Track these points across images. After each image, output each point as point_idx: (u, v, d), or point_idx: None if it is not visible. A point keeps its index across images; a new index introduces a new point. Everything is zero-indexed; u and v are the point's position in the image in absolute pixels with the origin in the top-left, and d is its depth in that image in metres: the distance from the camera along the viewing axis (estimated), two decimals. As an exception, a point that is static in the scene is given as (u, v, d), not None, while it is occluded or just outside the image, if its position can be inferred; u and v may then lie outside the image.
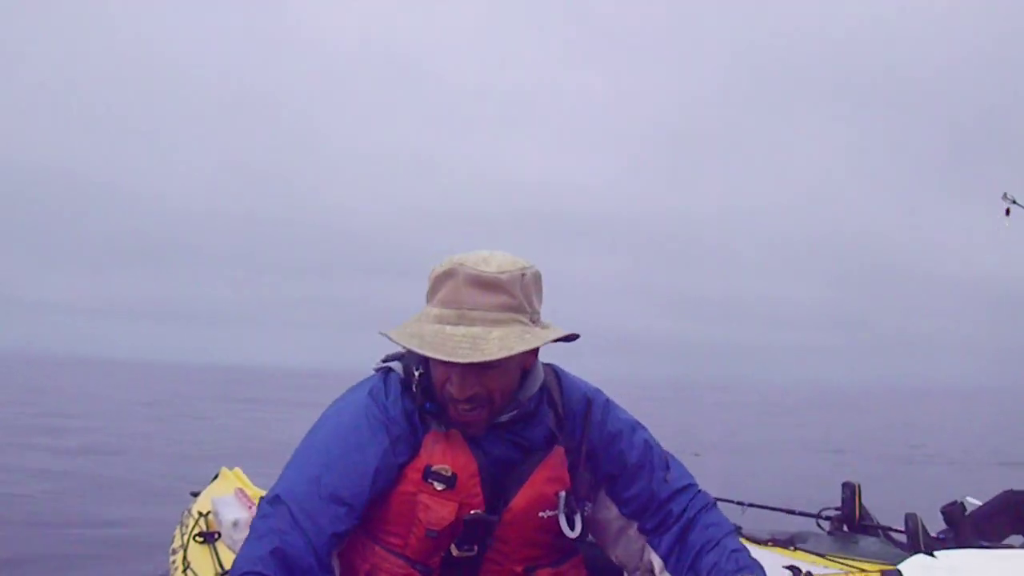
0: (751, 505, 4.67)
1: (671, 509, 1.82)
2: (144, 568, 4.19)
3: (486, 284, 1.60)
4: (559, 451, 1.79)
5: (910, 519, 3.99)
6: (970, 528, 4.08)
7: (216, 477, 3.63)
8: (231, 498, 2.94)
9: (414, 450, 1.69)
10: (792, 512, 4.60)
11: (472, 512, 1.68)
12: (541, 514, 1.75)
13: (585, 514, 1.80)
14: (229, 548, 2.70)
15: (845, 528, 4.28)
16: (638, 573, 1.86)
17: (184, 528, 3.04)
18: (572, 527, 1.75)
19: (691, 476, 1.90)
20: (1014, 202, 4.83)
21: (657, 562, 1.80)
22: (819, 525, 4.33)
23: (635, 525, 1.84)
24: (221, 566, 2.64)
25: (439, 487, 1.64)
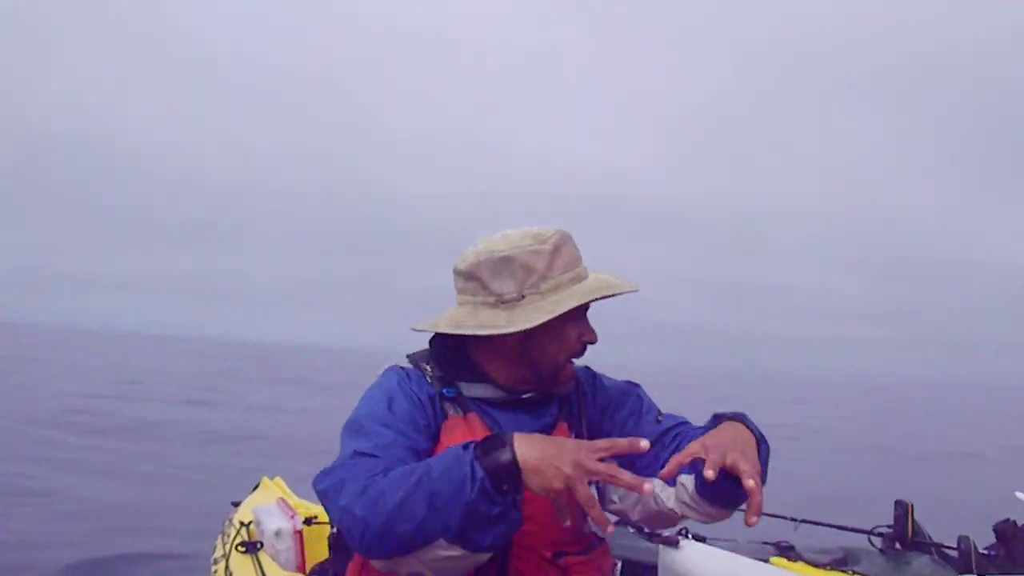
0: (804, 521, 4.74)
1: (664, 442, 1.78)
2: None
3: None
4: (562, 427, 1.82)
5: (962, 541, 4.09)
6: (1021, 545, 4.14)
7: (257, 487, 3.64)
8: (273, 507, 2.95)
9: (435, 437, 1.71)
10: (844, 528, 4.67)
11: None
12: None
13: (600, 487, 1.79)
14: (272, 558, 2.73)
15: (897, 546, 4.36)
16: (664, 521, 1.78)
17: (226, 538, 3.06)
18: None
19: (684, 418, 1.87)
20: None
21: (665, 495, 1.72)
22: (871, 542, 4.40)
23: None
24: (263, 574, 2.65)
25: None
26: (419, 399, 1.74)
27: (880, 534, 4.43)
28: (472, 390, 1.77)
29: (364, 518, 1.48)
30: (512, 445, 1.45)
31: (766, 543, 3.97)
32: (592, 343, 1.79)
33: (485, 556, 1.50)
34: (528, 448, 1.45)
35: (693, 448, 1.50)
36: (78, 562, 5.04)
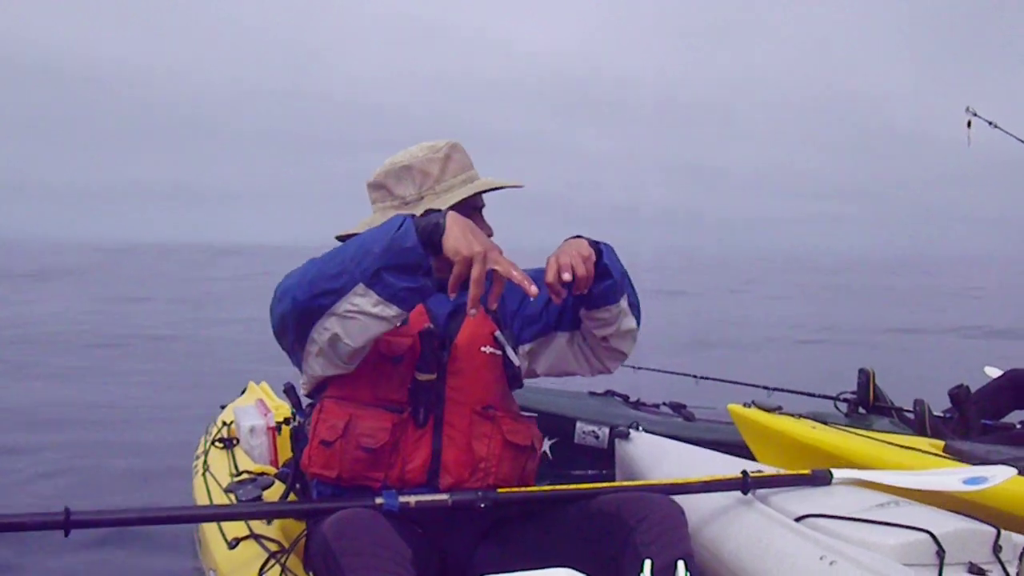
0: (776, 389, 5.09)
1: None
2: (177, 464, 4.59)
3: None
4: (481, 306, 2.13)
5: (917, 404, 4.42)
6: (973, 408, 4.46)
7: (244, 391, 3.88)
8: (251, 408, 3.16)
9: None
10: (812, 395, 5.01)
11: (426, 326, 1.95)
12: (483, 349, 2.02)
13: (520, 353, 2.08)
14: (246, 453, 2.96)
15: (861, 410, 4.71)
16: (590, 362, 2.11)
17: (208, 436, 3.31)
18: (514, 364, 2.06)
19: None
20: (975, 115, 5.17)
21: (579, 337, 2.07)
22: (836, 407, 4.77)
23: (568, 335, 2.10)
24: (236, 468, 2.81)
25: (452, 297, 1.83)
26: None
27: (845, 400, 4.78)
28: None
29: (294, 281, 1.80)
30: (445, 214, 1.70)
31: (752, 403, 4.22)
32: (487, 236, 2.06)
33: (393, 313, 1.73)
34: (458, 218, 1.69)
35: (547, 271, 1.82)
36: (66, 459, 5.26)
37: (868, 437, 3.41)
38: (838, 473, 2.32)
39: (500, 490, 1.94)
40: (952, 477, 2.41)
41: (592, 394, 5.05)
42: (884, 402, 4.72)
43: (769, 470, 2.39)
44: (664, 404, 5.15)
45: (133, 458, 5.34)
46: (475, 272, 1.63)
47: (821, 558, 1.86)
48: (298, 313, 1.80)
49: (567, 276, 1.77)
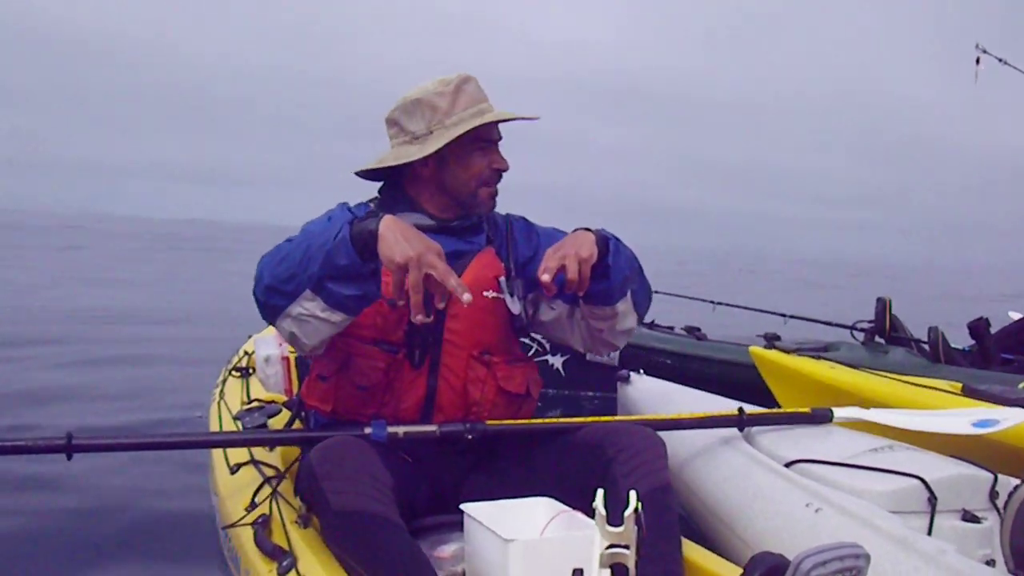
0: (792, 317, 5.06)
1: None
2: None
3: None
4: (489, 250, 2.06)
5: (931, 331, 4.37)
6: (993, 342, 4.42)
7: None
8: (270, 338, 3.14)
9: None
10: (829, 324, 4.98)
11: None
12: (485, 293, 1.98)
13: (524, 300, 2.02)
14: (261, 382, 2.99)
15: (878, 339, 4.67)
16: (592, 338, 2.08)
17: (228, 365, 3.35)
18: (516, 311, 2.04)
19: None
20: (984, 51, 4.94)
21: (578, 317, 2.06)
22: (853, 336, 4.72)
23: (568, 308, 2.09)
24: (248, 396, 2.83)
25: (400, 303, 1.87)
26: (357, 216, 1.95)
27: (862, 329, 4.73)
28: (408, 219, 1.92)
29: (262, 270, 1.82)
30: (380, 220, 1.66)
31: (758, 335, 4.22)
32: (502, 170, 2.05)
33: (339, 319, 1.76)
34: (391, 224, 1.66)
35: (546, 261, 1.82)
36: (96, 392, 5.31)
37: (887, 377, 3.38)
38: (839, 411, 2.30)
39: (489, 422, 1.95)
40: (962, 419, 2.36)
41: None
42: (901, 332, 4.68)
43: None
44: (680, 328, 5.14)
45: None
46: (410, 279, 1.60)
47: (807, 505, 1.86)
48: (260, 308, 1.86)
49: (546, 277, 1.77)
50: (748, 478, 2.07)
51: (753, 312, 5.18)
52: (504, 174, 2.08)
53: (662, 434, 1.87)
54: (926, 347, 4.43)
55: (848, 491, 1.89)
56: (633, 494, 1.32)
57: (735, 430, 2.27)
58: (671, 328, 5.16)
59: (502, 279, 2.04)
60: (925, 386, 3.13)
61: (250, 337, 3.65)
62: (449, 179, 2.02)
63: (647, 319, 5.13)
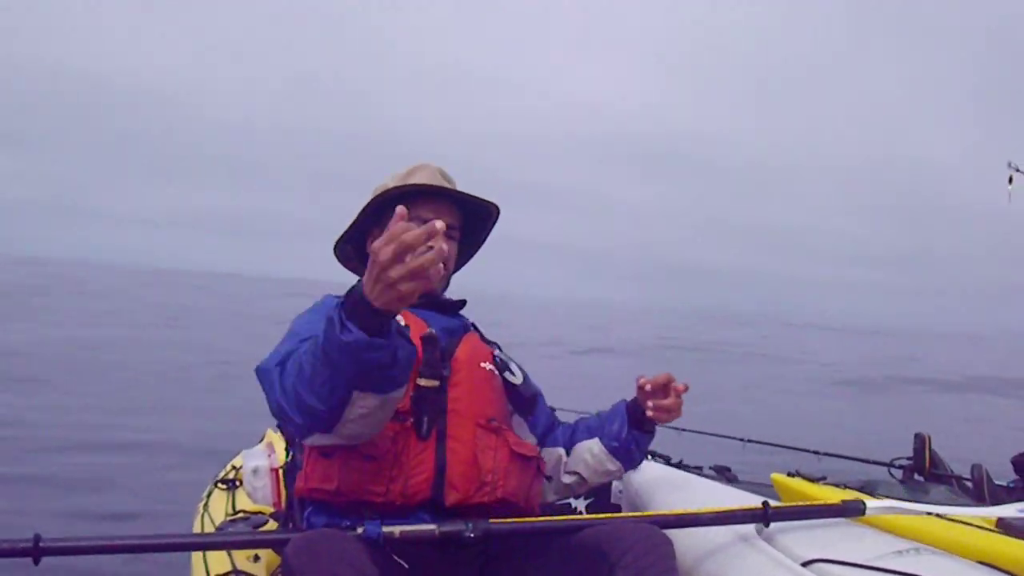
0: (826, 454, 4.86)
1: (557, 434, 2.22)
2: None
3: (449, 179, 2.12)
4: (473, 334, 2.10)
5: (975, 470, 4.16)
6: (1039, 477, 4.19)
7: (262, 439, 3.75)
8: (259, 450, 3.06)
9: None
10: (865, 461, 4.77)
11: (427, 331, 1.89)
12: (483, 364, 1.99)
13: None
14: (248, 495, 2.85)
15: (917, 476, 4.45)
16: (574, 481, 2.20)
17: (215, 479, 3.26)
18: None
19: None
20: (1017, 170, 4.93)
21: (558, 453, 2.17)
22: (891, 474, 4.50)
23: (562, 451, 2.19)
24: (234, 508, 2.77)
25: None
26: None
27: (900, 466, 4.52)
28: None
29: (294, 390, 1.62)
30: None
31: (797, 472, 4.05)
32: (432, 248, 1.96)
33: (399, 393, 1.61)
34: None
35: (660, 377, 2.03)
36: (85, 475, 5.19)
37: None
38: (872, 503, 2.16)
39: (492, 520, 1.82)
40: (995, 509, 2.34)
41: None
42: (941, 469, 4.45)
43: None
44: (708, 467, 4.95)
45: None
46: (384, 256, 1.40)
47: None
48: (304, 426, 1.68)
49: (680, 387, 1.99)
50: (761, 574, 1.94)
51: (785, 448, 4.99)
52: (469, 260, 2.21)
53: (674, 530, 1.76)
54: (968, 484, 4.22)
55: None
56: None
57: (751, 527, 2.12)
58: (700, 468, 4.97)
59: (498, 353, 2.08)
60: (958, 520, 2.90)
61: (239, 453, 3.57)
62: None
63: (675, 458, 4.97)
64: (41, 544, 1.65)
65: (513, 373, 2.06)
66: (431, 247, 1.38)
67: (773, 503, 2.12)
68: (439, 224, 1.37)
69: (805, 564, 1.93)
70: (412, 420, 1.85)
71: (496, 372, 2.03)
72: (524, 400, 2.10)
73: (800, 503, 2.23)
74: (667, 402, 2.01)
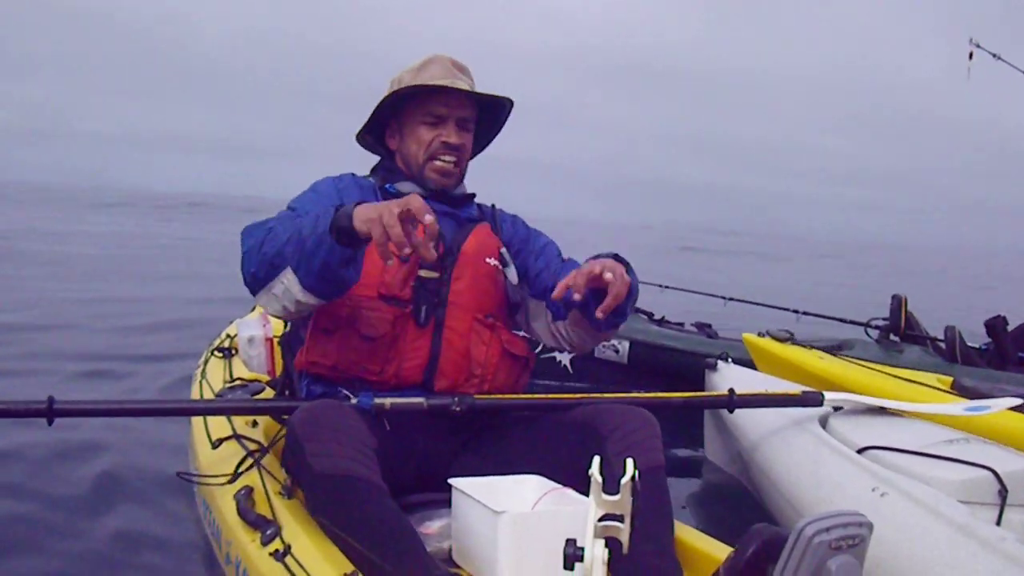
0: (805, 313, 4.94)
1: (559, 278, 1.98)
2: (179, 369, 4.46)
3: (463, 69, 2.09)
4: (485, 225, 2.11)
5: (948, 330, 4.25)
6: (1010, 340, 4.30)
7: (253, 308, 3.88)
8: (253, 320, 3.07)
9: None
10: (843, 320, 4.86)
11: (435, 229, 1.89)
12: (488, 259, 2.03)
13: (518, 270, 2.09)
14: (244, 363, 2.91)
15: (893, 337, 4.55)
16: (555, 341, 2.10)
17: (210, 347, 3.27)
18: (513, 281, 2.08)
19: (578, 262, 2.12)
20: (978, 46, 4.85)
21: (559, 326, 2.05)
22: (867, 333, 4.58)
23: (542, 304, 2.08)
24: (231, 376, 2.81)
25: (390, 263, 1.90)
26: (352, 185, 2.08)
27: (876, 326, 4.59)
28: (405, 187, 2.04)
29: (249, 244, 1.81)
30: (355, 205, 1.68)
31: (767, 332, 4.14)
32: (450, 145, 2.04)
33: (314, 300, 1.76)
34: (364, 204, 1.67)
35: (574, 272, 1.76)
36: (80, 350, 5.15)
37: (875, 369, 3.39)
38: (830, 395, 2.28)
39: (476, 396, 1.92)
40: (956, 407, 2.38)
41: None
42: (916, 330, 4.54)
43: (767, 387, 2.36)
44: (690, 324, 5.04)
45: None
46: (386, 221, 1.56)
47: (873, 489, 1.88)
48: (246, 278, 1.85)
49: (609, 276, 1.70)
50: (818, 462, 2.10)
51: (765, 308, 5.07)
52: (460, 151, 2.07)
53: (742, 413, 1.84)
54: (942, 345, 4.33)
55: (918, 479, 1.89)
56: (630, 462, 1.26)
57: (810, 411, 2.29)
58: (681, 324, 5.05)
59: (503, 250, 2.08)
60: (915, 381, 3.10)
61: (232, 322, 3.60)
62: (404, 151, 2.09)
63: (657, 315, 5.06)
64: (55, 406, 1.76)
65: (508, 273, 2.08)
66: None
67: (738, 392, 2.20)
68: (428, 219, 1.56)
69: (860, 451, 2.07)
70: (411, 307, 1.92)
71: (499, 267, 2.07)
72: (516, 302, 2.12)
73: (762, 392, 2.34)
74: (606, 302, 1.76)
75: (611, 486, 1.25)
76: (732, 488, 3.07)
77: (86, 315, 6.41)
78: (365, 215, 1.62)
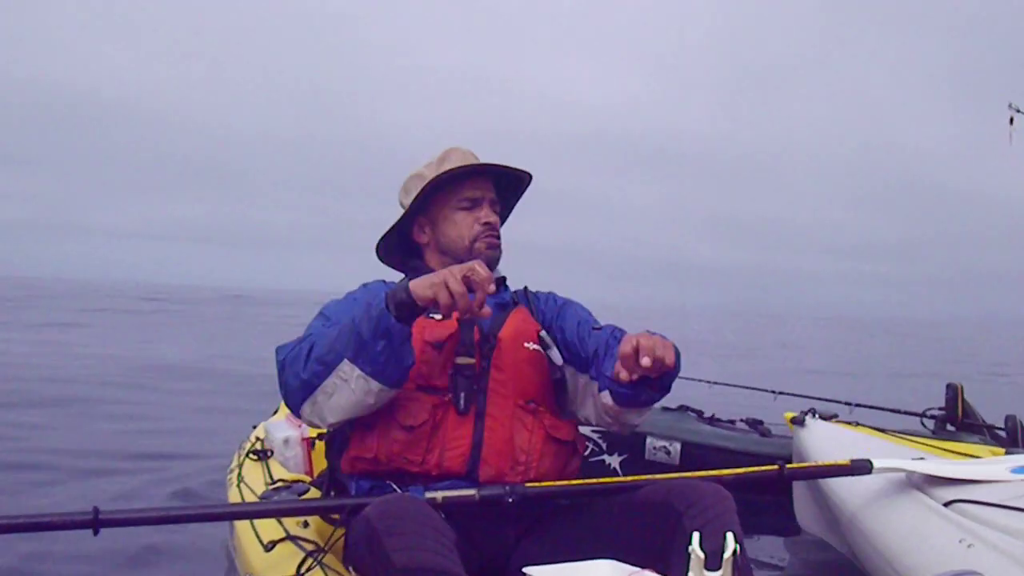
0: (858, 405, 4.88)
1: (598, 348, 2.06)
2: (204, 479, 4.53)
3: (476, 157, 2.18)
4: (523, 309, 2.16)
5: (1009, 419, 4.18)
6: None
7: (276, 412, 3.82)
8: (282, 422, 3.17)
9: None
10: (897, 411, 4.79)
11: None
12: (527, 344, 2.04)
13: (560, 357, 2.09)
14: (281, 464, 2.96)
15: (949, 427, 4.46)
16: (605, 419, 2.05)
17: (241, 451, 3.30)
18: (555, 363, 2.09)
19: (618, 327, 2.14)
20: (1018, 111, 4.84)
21: (605, 398, 1.98)
22: (923, 424, 4.51)
23: (587, 377, 2.07)
24: (271, 477, 2.81)
25: (438, 317, 1.99)
26: (383, 290, 2.01)
27: (932, 416, 4.53)
28: None
29: (293, 353, 1.84)
30: (409, 280, 1.76)
31: (812, 411, 4.09)
32: (490, 224, 2.14)
33: (376, 386, 1.78)
34: (420, 277, 1.76)
35: (626, 344, 1.74)
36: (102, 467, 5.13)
37: (925, 443, 3.44)
38: (879, 462, 2.29)
39: (529, 484, 1.90)
40: (1000, 466, 2.36)
41: (665, 409, 4.88)
42: (974, 419, 4.47)
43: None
44: (740, 420, 4.99)
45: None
46: (452, 286, 1.66)
47: (960, 541, 1.92)
48: (293, 387, 1.87)
49: (646, 362, 1.69)
50: (905, 517, 2.18)
51: (816, 400, 5.00)
52: (501, 229, 2.18)
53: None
54: (1000, 433, 4.23)
55: (1005, 532, 1.92)
56: (730, 535, 1.27)
57: (902, 476, 2.37)
58: (732, 422, 5.00)
59: (543, 332, 2.11)
60: (964, 453, 3.16)
61: (255, 427, 3.61)
62: (444, 240, 2.16)
63: (707, 413, 5.01)
64: (100, 516, 1.77)
65: (551, 356, 2.09)
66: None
67: (788, 465, 2.30)
68: (491, 288, 1.69)
69: (947, 504, 2.12)
70: (451, 395, 1.94)
71: (540, 351, 2.08)
72: (559, 382, 2.13)
73: (811, 464, 2.48)
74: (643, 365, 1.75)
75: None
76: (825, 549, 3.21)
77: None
78: (428, 281, 1.70)
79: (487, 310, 1.69)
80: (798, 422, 3.42)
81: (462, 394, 1.94)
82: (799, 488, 3.46)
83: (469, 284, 1.69)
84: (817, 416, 3.45)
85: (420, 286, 1.70)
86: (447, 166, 2.13)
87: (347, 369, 1.76)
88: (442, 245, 2.15)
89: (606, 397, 1.99)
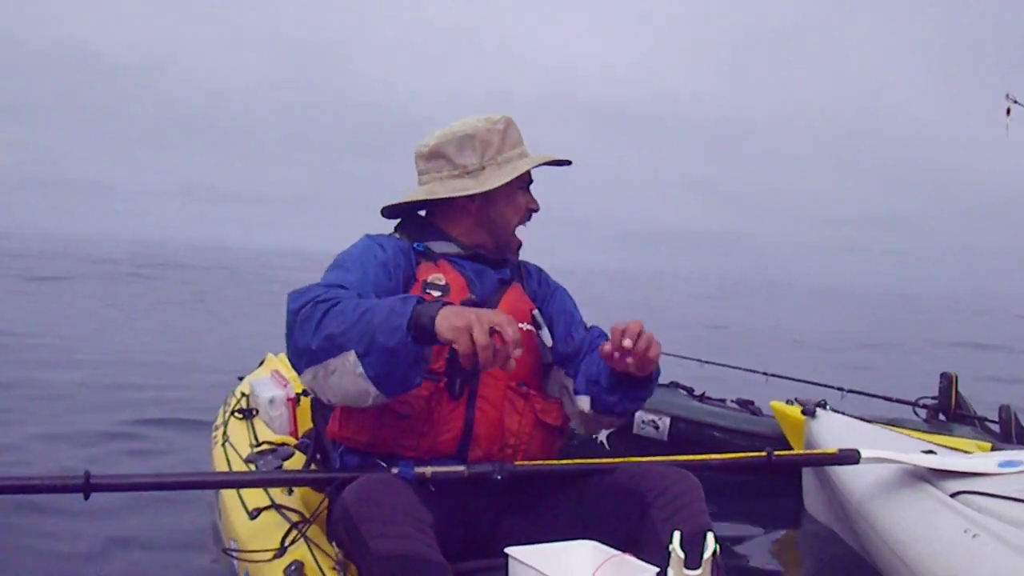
0: (850, 391, 4.85)
1: (581, 347, 2.11)
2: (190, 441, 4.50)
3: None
4: (517, 286, 2.12)
5: (1003, 410, 4.17)
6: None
7: (261, 363, 3.83)
8: (268, 379, 3.12)
9: (411, 273, 2.00)
10: (889, 399, 4.78)
11: (468, 296, 1.97)
12: (520, 325, 1.94)
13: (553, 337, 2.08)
14: (266, 424, 2.92)
15: (941, 417, 4.45)
16: (575, 422, 2.09)
17: (226, 407, 3.26)
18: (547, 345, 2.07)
19: (604, 331, 2.12)
20: (1015, 102, 4.79)
21: (582, 403, 2.02)
22: (915, 413, 4.50)
23: (564, 374, 2.09)
24: (256, 438, 2.76)
25: (436, 294, 1.95)
26: (395, 250, 2.03)
27: (924, 405, 4.52)
28: (438, 247, 2.07)
29: (306, 313, 1.73)
30: (440, 306, 1.66)
31: (796, 400, 4.08)
32: (535, 211, 2.15)
33: (373, 391, 1.70)
34: (450, 307, 1.66)
35: (618, 324, 1.79)
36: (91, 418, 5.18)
37: (910, 434, 3.38)
38: (867, 452, 2.30)
39: (517, 463, 1.92)
40: (989, 459, 2.40)
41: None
42: (966, 409, 4.46)
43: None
44: (731, 400, 4.95)
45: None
46: (476, 335, 1.57)
47: (965, 531, 1.95)
48: (301, 349, 1.76)
49: (627, 343, 1.75)
50: (912, 507, 2.20)
51: (808, 384, 4.98)
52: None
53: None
54: (992, 425, 4.23)
55: (1010, 523, 1.94)
56: (711, 536, 1.26)
57: (910, 467, 2.37)
58: (723, 401, 4.97)
59: (536, 312, 2.09)
60: (948, 446, 3.11)
61: (241, 379, 3.58)
62: (496, 216, 2.09)
63: (698, 391, 4.97)
64: (92, 480, 1.75)
65: (542, 336, 2.07)
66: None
67: (776, 452, 2.24)
68: (517, 353, 1.60)
69: (954, 495, 2.14)
70: (445, 381, 1.91)
71: (533, 331, 2.06)
72: (549, 363, 2.12)
73: (801, 451, 2.48)
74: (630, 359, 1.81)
75: (656, 552, 1.29)
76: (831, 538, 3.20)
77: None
78: (452, 323, 1.60)
79: (512, 364, 1.61)
80: (809, 413, 3.37)
81: (457, 380, 1.92)
82: (808, 477, 3.50)
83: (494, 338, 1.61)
84: (828, 407, 3.42)
85: (444, 325, 1.62)
86: (512, 138, 2.10)
87: (352, 360, 1.68)
88: (491, 219, 2.09)
89: (583, 402, 2.02)
